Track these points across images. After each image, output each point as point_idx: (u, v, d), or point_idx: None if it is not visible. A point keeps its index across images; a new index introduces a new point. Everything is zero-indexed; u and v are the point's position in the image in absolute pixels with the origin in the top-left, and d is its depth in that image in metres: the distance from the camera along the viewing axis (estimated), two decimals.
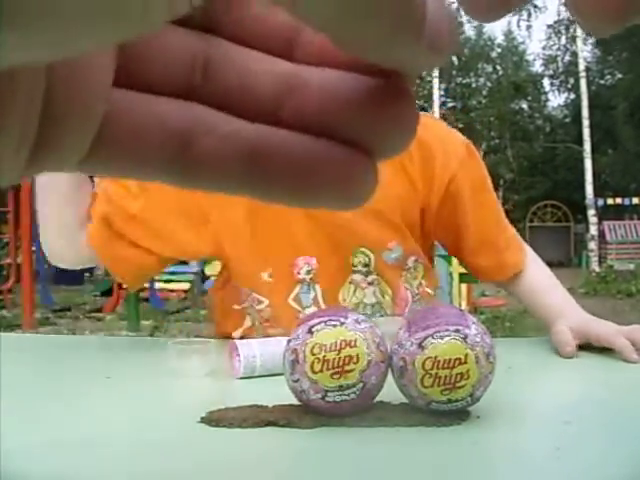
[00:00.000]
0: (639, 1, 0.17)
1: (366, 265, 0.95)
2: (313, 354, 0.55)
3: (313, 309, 0.93)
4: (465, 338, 0.55)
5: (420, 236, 1.02)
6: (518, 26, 21.07)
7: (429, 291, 1.02)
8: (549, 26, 19.69)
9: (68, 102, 0.17)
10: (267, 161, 0.19)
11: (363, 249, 0.95)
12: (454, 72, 20.60)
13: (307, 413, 0.57)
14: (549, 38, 19.94)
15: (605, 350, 0.83)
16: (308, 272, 0.95)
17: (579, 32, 15.14)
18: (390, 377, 0.58)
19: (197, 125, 0.19)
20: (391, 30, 0.16)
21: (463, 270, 1.33)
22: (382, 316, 0.97)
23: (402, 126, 0.19)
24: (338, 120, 0.19)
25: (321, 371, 0.55)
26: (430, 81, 13.90)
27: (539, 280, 1.01)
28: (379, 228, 0.96)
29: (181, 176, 0.19)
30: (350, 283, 0.95)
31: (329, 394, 0.55)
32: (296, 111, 0.19)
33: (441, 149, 1.00)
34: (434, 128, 1.03)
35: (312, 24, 0.16)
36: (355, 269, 0.95)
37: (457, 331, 0.55)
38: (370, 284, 0.96)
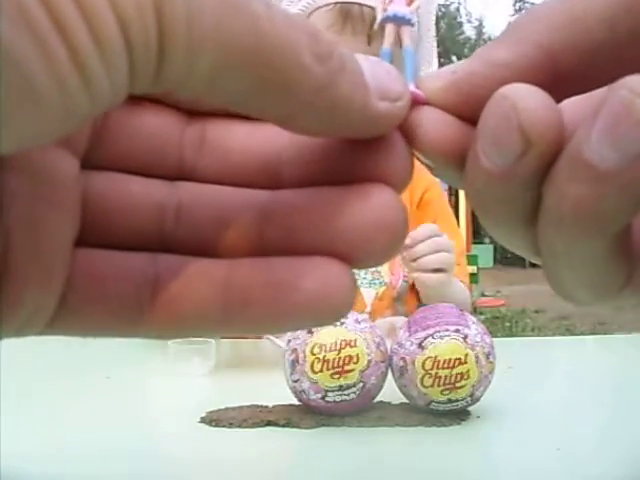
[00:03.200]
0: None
1: None
2: (313, 354, 0.55)
3: None
4: (465, 338, 0.55)
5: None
6: None
7: None
8: None
9: (26, 265, 0.17)
10: (242, 293, 0.18)
11: None
12: None
13: (307, 413, 0.57)
14: None
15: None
16: None
17: None
18: (390, 377, 0.58)
19: (164, 270, 0.19)
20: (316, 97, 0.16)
21: None
22: (380, 282, 1.08)
23: (384, 236, 0.18)
24: (320, 235, 0.18)
25: (321, 371, 0.55)
26: None
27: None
28: None
29: (156, 324, 0.19)
30: None
31: (329, 394, 0.55)
32: (278, 237, 0.19)
33: (417, 168, 1.14)
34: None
35: (228, 101, 0.16)
36: None
37: (457, 331, 0.55)
38: None
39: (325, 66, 0.16)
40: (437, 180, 1.19)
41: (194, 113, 0.20)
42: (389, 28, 0.22)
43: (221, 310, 0.18)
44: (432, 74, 0.20)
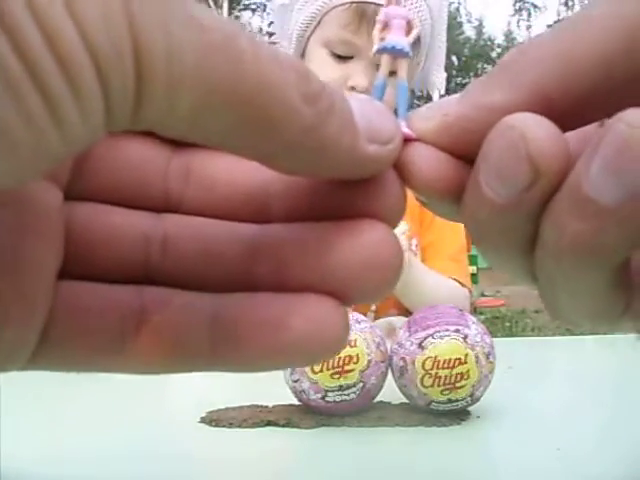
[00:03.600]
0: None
1: None
2: None
3: None
4: (465, 338, 0.55)
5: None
6: (518, 26, 21.08)
7: None
8: (549, 26, 19.65)
9: (7, 300, 0.16)
10: (230, 330, 0.18)
11: None
12: (454, 72, 20.59)
13: (307, 413, 0.57)
14: None
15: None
16: None
17: None
18: (390, 377, 0.58)
19: (150, 303, 0.18)
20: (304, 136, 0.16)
21: None
22: None
23: (377, 274, 0.18)
24: (311, 272, 0.18)
25: (321, 371, 0.54)
26: None
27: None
28: None
29: (141, 357, 0.18)
30: None
31: (329, 394, 0.55)
32: (268, 273, 0.18)
33: None
34: None
35: (208, 141, 0.16)
36: None
37: (457, 331, 0.55)
38: None
39: (313, 106, 0.16)
40: None
41: (180, 143, 0.19)
42: (385, 58, 0.22)
43: (208, 347, 0.18)
44: (423, 113, 0.19)
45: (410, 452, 0.51)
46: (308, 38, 1.05)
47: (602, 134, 0.16)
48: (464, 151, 0.19)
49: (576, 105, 0.17)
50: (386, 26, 0.22)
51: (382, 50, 0.21)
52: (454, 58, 20.55)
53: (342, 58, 1.01)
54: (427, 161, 0.19)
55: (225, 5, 12.38)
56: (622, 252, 0.17)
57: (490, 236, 0.19)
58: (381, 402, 0.59)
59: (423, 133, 0.19)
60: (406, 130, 0.19)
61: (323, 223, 0.18)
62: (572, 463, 0.48)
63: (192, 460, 0.50)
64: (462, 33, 21.44)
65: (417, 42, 1.03)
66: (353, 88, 1.00)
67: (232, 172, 0.19)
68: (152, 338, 0.18)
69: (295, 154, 0.16)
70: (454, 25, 20.97)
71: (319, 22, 1.02)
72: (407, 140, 0.19)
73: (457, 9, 21.08)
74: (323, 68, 1.03)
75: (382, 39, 0.22)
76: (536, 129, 0.17)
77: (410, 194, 0.19)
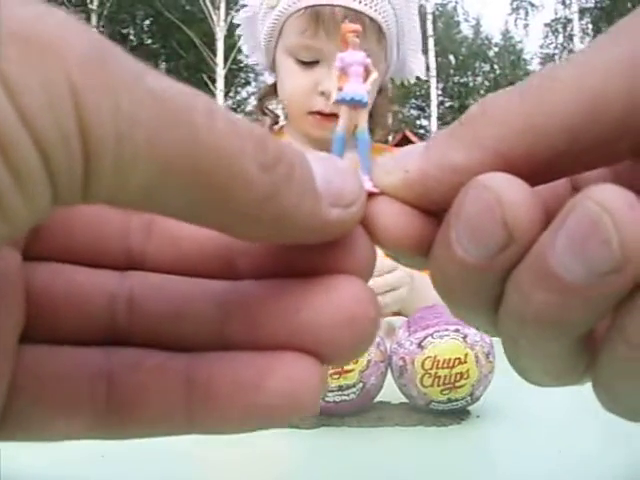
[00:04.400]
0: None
1: None
2: None
3: None
4: (465, 338, 0.55)
5: None
6: (515, 25, 21.09)
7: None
8: (546, 25, 19.72)
9: None
10: (205, 393, 0.17)
11: None
12: (451, 71, 20.62)
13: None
14: (546, 37, 19.99)
15: None
16: None
17: (576, 30, 15.16)
18: (390, 377, 0.58)
19: (119, 365, 0.18)
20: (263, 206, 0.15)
21: None
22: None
23: (353, 333, 0.17)
24: (286, 330, 0.17)
25: None
26: (427, 81, 13.93)
27: None
28: None
29: (113, 423, 0.17)
30: None
31: (329, 394, 0.55)
32: (240, 331, 0.18)
33: None
34: None
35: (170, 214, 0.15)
36: None
37: (457, 331, 0.55)
38: None
39: (270, 175, 0.15)
40: None
41: None
42: (344, 109, 0.21)
43: (183, 411, 0.17)
44: (385, 166, 0.19)
45: (410, 452, 0.51)
46: (275, 48, 1.04)
47: (569, 208, 0.16)
48: (427, 206, 0.18)
49: (539, 166, 0.17)
50: (344, 73, 0.21)
51: (340, 101, 0.21)
52: (451, 57, 20.56)
53: (308, 64, 1.00)
54: (391, 217, 0.18)
55: (222, 5, 12.36)
56: (587, 325, 0.17)
57: (457, 292, 0.18)
58: (381, 402, 0.59)
59: (386, 188, 0.19)
60: (369, 184, 0.19)
61: (295, 279, 0.18)
62: (572, 462, 0.48)
63: (192, 460, 0.50)
64: (459, 32, 21.45)
65: (382, 41, 1.00)
66: (323, 93, 0.99)
67: (194, 229, 0.19)
68: (124, 405, 0.17)
69: (253, 224, 0.15)
70: (451, 24, 20.98)
71: (280, 32, 1.02)
72: (371, 194, 0.19)
73: (454, 8, 21.09)
74: (292, 77, 1.02)
75: (340, 89, 0.21)
76: (512, 192, 0.16)
77: None
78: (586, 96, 0.16)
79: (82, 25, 0.13)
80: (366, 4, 0.96)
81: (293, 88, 1.01)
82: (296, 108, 1.03)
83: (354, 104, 0.21)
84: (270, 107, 1.14)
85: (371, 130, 0.92)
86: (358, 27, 0.21)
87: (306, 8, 0.97)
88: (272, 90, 1.10)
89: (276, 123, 1.14)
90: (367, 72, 0.21)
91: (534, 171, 0.17)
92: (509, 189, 0.16)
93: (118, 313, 0.18)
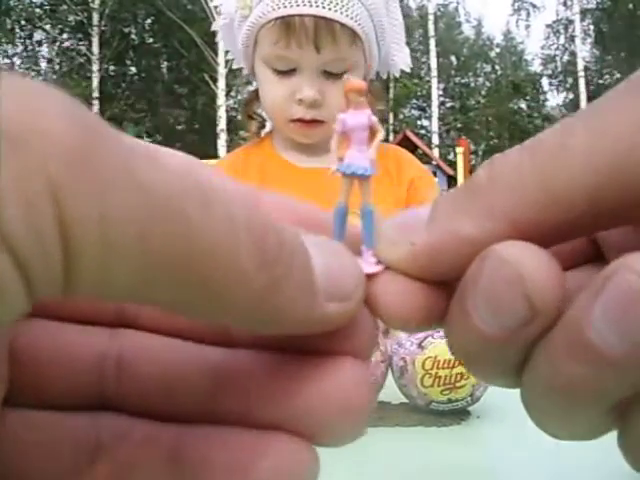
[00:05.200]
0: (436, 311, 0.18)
1: None
2: None
3: None
4: None
5: None
6: (517, 26, 21.09)
7: None
8: (548, 26, 19.72)
9: None
10: (193, 467, 0.17)
11: None
12: (453, 72, 20.61)
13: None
14: (548, 38, 19.99)
15: None
16: None
17: (578, 31, 15.16)
18: (390, 377, 0.58)
19: (106, 435, 0.17)
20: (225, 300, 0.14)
21: None
22: None
23: (349, 419, 0.16)
24: (280, 409, 0.17)
25: None
26: (429, 81, 13.93)
27: None
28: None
29: None
30: None
31: None
32: (232, 404, 0.17)
33: (407, 159, 1.15)
34: (404, 151, 1.19)
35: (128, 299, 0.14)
36: None
37: None
38: None
39: (268, 273, 0.14)
40: (426, 177, 1.16)
41: None
42: (345, 182, 0.19)
43: (167, 476, 0.17)
44: (390, 237, 0.18)
45: (410, 452, 0.51)
46: (253, 56, 1.04)
47: (606, 278, 0.15)
48: (435, 277, 0.17)
49: (553, 231, 0.16)
50: (345, 138, 0.19)
51: (341, 173, 0.19)
52: (453, 58, 20.56)
53: (284, 73, 1.00)
54: (396, 297, 0.18)
55: None
56: (621, 395, 0.16)
57: (477, 361, 0.18)
58: (381, 402, 0.59)
59: (391, 262, 0.18)
60: (373, 260, 0.18)
61: (292, 356, 0.17)
62: (572, 463, 0.48)
63: None
64: (461, 33, 21.46)
65: (357, 43, 1.00)
66: (301, 101, 0.99)
67: None
68: (109, 475, 0.17)
69: (246, 319, 0.15)
70: (453, 25, 20.98)
71: (256, 41, 1.01)
72: (369, 275, 0.18)
73: (456, 9, 21.10)
74: (270, 86, 1.02)
75: (340, 158, 0.19)
76: (533, 265, 0.15)
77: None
78: (607, 160, 0.15)
79: (70, 107, 0.12)
80: (336, 10, 0.95)
81: (272, 97, 1.01)
82: (277, 116, 1.03)
83: (355, 176, 0.19)
84: (257, 111, 1.13)
85: None
86: (362, 84, 0.18)
87: (276, 19, 0.96)
88: (256, 95, 1.10)
89: (263, 127, 1.14)
90: (372, 133, 0.19)
91: (548, 235, 0.16)
92: (529, 261, 0.15)
93: (107, 375, 0.17)
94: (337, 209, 0.19)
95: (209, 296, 0.14)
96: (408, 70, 1.14)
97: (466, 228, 0.16)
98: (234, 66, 1.15)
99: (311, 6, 0.95)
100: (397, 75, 1.13)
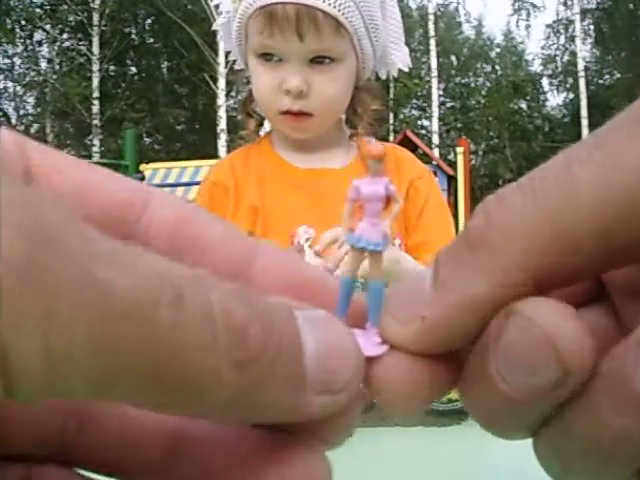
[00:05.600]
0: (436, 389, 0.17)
1: None
2: None
3: None
4: None
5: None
6: (517, 26, 21.08)
7: None
8: (548, 26, 19.71)
9: None
10: None
11: None
12: (453, 72, 20.61)
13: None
14: (548, 38, 19.97)
15: None
16: (307, 240, 1.01)
17: (578, 31, 15.15)
18: None
19: None
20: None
21: None
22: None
23: None
24: (233, 470, 0.16)
25: None
26: (429, 81, 13.93)
27: None
28: None
29: None
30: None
31: None
32: (190, 474, 0.16)
33: (407, 160, 1.14)
34: (405, 151, 1.18)
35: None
36: None
37: None
38: None
39: (248, 372, 0.13)
40: (427, 178, 1.15)
41: None
42: (353, 255, 0.17)
43: None
44: (396, 315, 0.17)
45: (410, 452, 0.51)
46: (245, 50, 1.05)
47: None
48: (447, 348, 0.16)
49: (566, 274, 0.15)
50: (359, 206, 0.17)
51: (351, 245, 0.17)
52: (453, 58, 20.55)
53: (272, 63, 1.00)
54: (402, 383, 0.16)
55: None
56: None
57: (499, 422, 0.17)
58: None
59: (400, 343, 0.16)
60: (377, 340, 0.17)
61: (256, 432, 0.16)
62: None
63: None
64: (461, 33, 21.45)
65: (343, 33, 0.99)
66: (288, 91, 0.99)
67: None
68: None
69: (223, 415, 0.14)
70: (453, 25, 20.98)
71: (246, 35, 1.02)
72: (369, 357, 0.17)
73: (456, 9, 21.10)
74: (258, 77, 1.02)
75: (351, 229, 0.17)
76: (561, 324, 0.14)
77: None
78: (618, 195, 0.14)
79: (23, 215, 0.11)
80: (339, 10, 0.94)
81: (260, 89, 1.01)
82: (268, 109, 1.04)
83: (366, 250, 0.17)
84: (256, 109, 1.14)
85: (354, 126, 0.89)
86: (381, 150, 0.17)
87: (260, 8, 0.96)
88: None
89: (261, 124, 1.14)
90: (388, 202, 0.17)
91: (561, 279, 0.15)
92: (558, 320, 0.14)
93: (68, 429, 0.16)
94: (343, 280, 0.17)
95: (178, 398, 0.13)
96: (407, 70, 1.14)
97: (478, 289, 0.15)
98: (236, 67, 1.15)
99: None
100: (395, 75, 1.13)
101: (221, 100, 11.71)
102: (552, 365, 0.14)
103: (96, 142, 13.79)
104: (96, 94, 13.81)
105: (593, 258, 0.15)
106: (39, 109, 16.84)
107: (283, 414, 0.15)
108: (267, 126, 1.17)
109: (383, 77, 1.13)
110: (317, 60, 0.99)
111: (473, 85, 20.86)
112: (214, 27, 1.14)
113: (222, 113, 11.52)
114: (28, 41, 16.25)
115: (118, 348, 0.12)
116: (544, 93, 21.04)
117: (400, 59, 1.10)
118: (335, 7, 0.96)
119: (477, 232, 0.16)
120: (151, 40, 18.01)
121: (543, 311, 0.15)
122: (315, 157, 1.07)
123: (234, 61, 1.14)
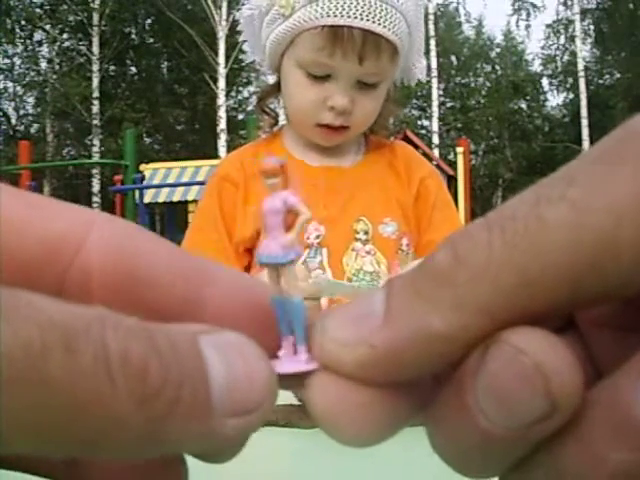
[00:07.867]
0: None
1: (366, 233, 1.04)
2: None
3: (319, 272, 0.99)
4: None
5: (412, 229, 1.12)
6: (517, 26, 21.11)
7: None
8: (548, 26, 19.71)
9: None
10: None
11: (363, 218, 1.05)
12: (453, 72, 20.61)
13: (307, 413, 0.57)
14: (548, 38, 19.98)
15: None
16: (317, 237, 1.02)
17: (578, 31, 15.16)
18: None
19: None
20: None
21: None
22: (379, 283, 1.05)
23: None
24: None
25: None
26: (429, 81, 13.93)
27: None
28: (379, 202, 1.07)
29: None
30: (352, 250, 1.04)
31: None
32: None
33: (416, 158, 1.16)
34: (412, 149, 1.20)
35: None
36: (357, 237, 1.04)
37: None
38: (368, 253, 1.04)
39: (149, 409, 0.13)
40: (435, 177, 1.16)
41: None
42: (266, 270, 0.17)
43: None
44: (337, 335, 0.16)
45: (410, 452, 0.51)
46: (282, 55, 1.04)
47: None
48: (393, 380, 0.16)
49: (531, 316, 0.15)
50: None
51: (259, 264, 0.17)
52: (453, 58, 20.56)
53: (318, 78, 0.99)
54: (343, 409, 0.16)
55: (224, 5, 12.36)
56: None
57: (474, 462, 0.16)
58: None
59: (342, 367, 0.15)
60: (305, 357, 0.16)
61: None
62: None
63: (192, 460, 0.50)
64: (461, 33, 21.45)
65: (395, 59, 1.00)
66: (332, 108, 0.99)
67: None
68: None
69: (133, 453, 0.14)
70: (453, 25, 20.98)
71: (291, 42, 1.01)
72: (303, 374, 0.16)
73: (456, 9, 21.10)
74: (301, 90, 1.02)
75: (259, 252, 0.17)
76: (552, 353, 0.14)
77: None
78: (590, 239, 0.14)
79: None
80: (385, 26, 0.95)
81: (301, 101, 1.00)
82: (303, 120, 1.03)
83: (275, 264, 0.17)
84: (271, 106, 1.13)
85: (373, 131, 0.90)
86: (274, 166, 0.17)
87: (323, 27, 0.95)
88: (273, 90, 1.09)
89: (276, 122, 1.14)
90: (293, 216, 0.17)
91: (527, 320, 0.15)
92: (547, 349, 0.14)
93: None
94: (272, 302, 0.17)
95: (80, 445, 0.12)
96: (424, 80, 1.15)
97: (435, 323, 0.14)
98: (248, 59, 1.15)
99: (362, 19, 0.95)
100: (413, 84, 1.14)
101: (221, 100, 11.70)
102: (540, 400, 0.14)
103: (96, 142, 13.79)
104: (96, 94, 13.82)
105: (563, 303, 0.14)
106: (39, 109, 16.85)
107: (196, 441, 0.14)
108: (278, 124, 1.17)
109: (397, 83, 1.14)
110: (364, 81, 0.99)
111: (473, 85, 20.86)
112: (238, 16, 1.13)
113: (222, 113, 11.52)
114: (28, 41, 16.26)
115: (15, 407, 0.11)
116: (544, 93, 21.05)
117: (419, 70, 1.11)
118: (397, 35, 0.98)
119: (440, 265, 0.15)
120: (151, 40, 18.01)
121: (531, 340, 0.14)
122: (326, 155, 1.08)
123: (234, 61, 1.13)
